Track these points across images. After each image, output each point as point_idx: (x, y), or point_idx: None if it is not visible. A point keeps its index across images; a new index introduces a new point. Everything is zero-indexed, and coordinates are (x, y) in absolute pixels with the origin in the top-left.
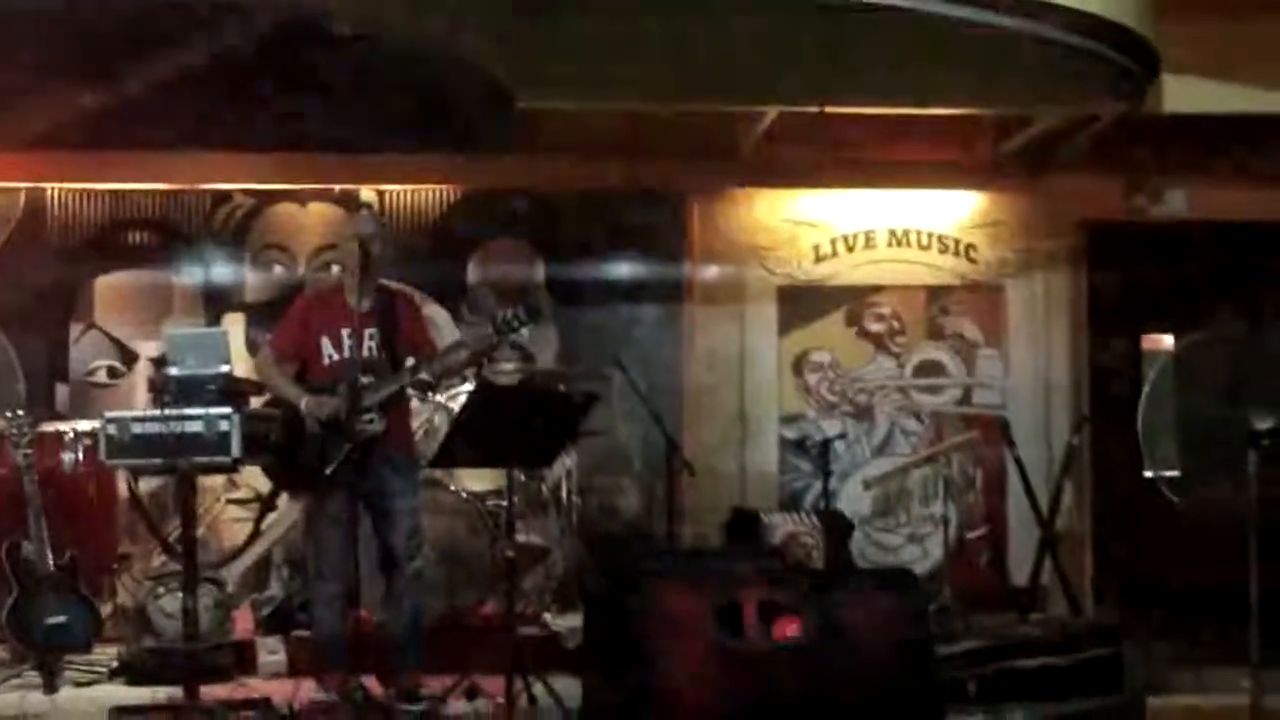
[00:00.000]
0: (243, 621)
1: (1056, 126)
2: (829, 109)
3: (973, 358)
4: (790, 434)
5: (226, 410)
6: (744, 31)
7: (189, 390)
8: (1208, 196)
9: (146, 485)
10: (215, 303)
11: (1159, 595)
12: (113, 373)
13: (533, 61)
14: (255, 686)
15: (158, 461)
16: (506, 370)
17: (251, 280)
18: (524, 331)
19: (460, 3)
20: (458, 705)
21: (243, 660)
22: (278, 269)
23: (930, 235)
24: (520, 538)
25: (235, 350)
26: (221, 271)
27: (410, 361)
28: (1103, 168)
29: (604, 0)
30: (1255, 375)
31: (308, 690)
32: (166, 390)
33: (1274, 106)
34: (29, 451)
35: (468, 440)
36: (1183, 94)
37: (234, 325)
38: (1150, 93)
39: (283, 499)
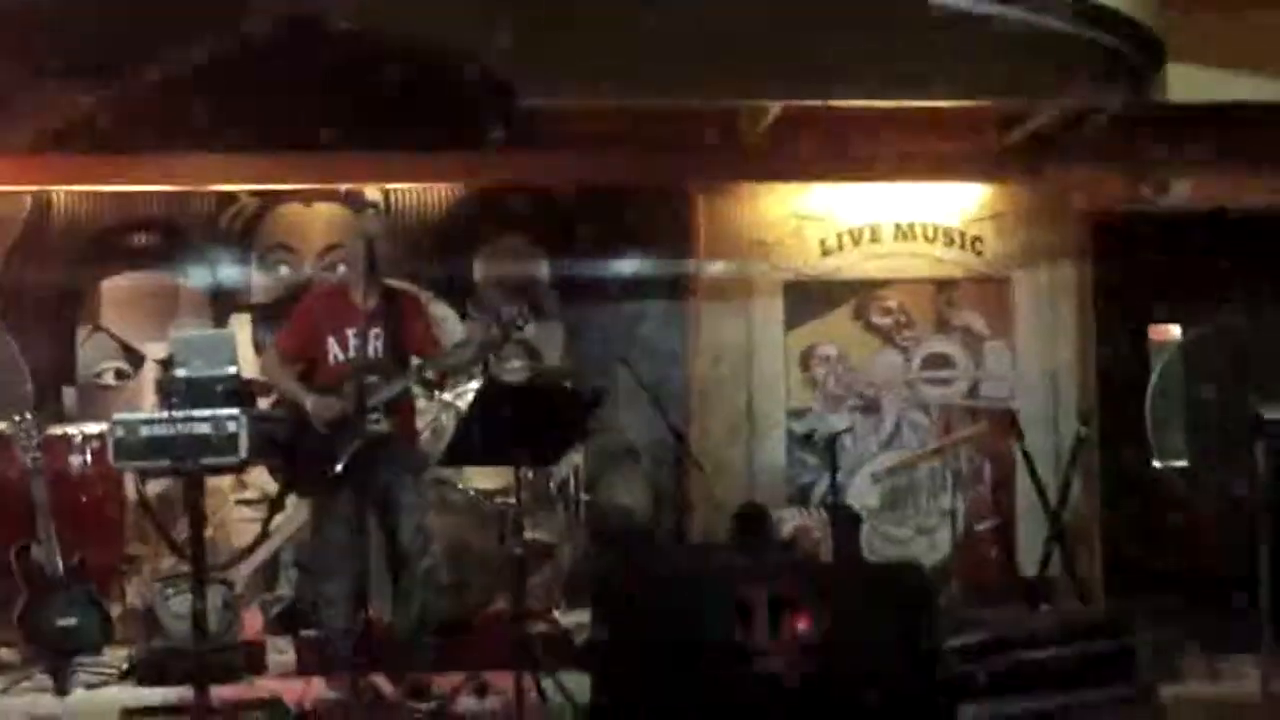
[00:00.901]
0: (252, 622)
1: (1061, 118)
2: (833, 103)
3: (980, 350)
4: (798, 428)
5: (234, 411)
6: (744, 27)
7: (196, 392)
8: (1213, 187)
9: (155, 487)
10: (222, 304)
11: (1169, 585)
12: (120, 374)
13: (535, 58)
14: (265, 686)
15: (166, 463)
16: (513, 368)
17: (258, 281)
18: (530, 329)
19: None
20: (467, 702)
21: (252, 661)
22: (284, 269)
23: (936, 228)
24: (528, 535)
25: (242, 351)
26: (228, 272)
27: (416, 361)
28: (1108, 159)
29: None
30: (1262, 365)
31: (318, 690)
32: (174, 392)
33: (1278, 95)
34: (37, 454)
35: (475, 438)
36: (1187, 83)
37: (241, 326)
38: (1155, 83)
39: (291, 499)
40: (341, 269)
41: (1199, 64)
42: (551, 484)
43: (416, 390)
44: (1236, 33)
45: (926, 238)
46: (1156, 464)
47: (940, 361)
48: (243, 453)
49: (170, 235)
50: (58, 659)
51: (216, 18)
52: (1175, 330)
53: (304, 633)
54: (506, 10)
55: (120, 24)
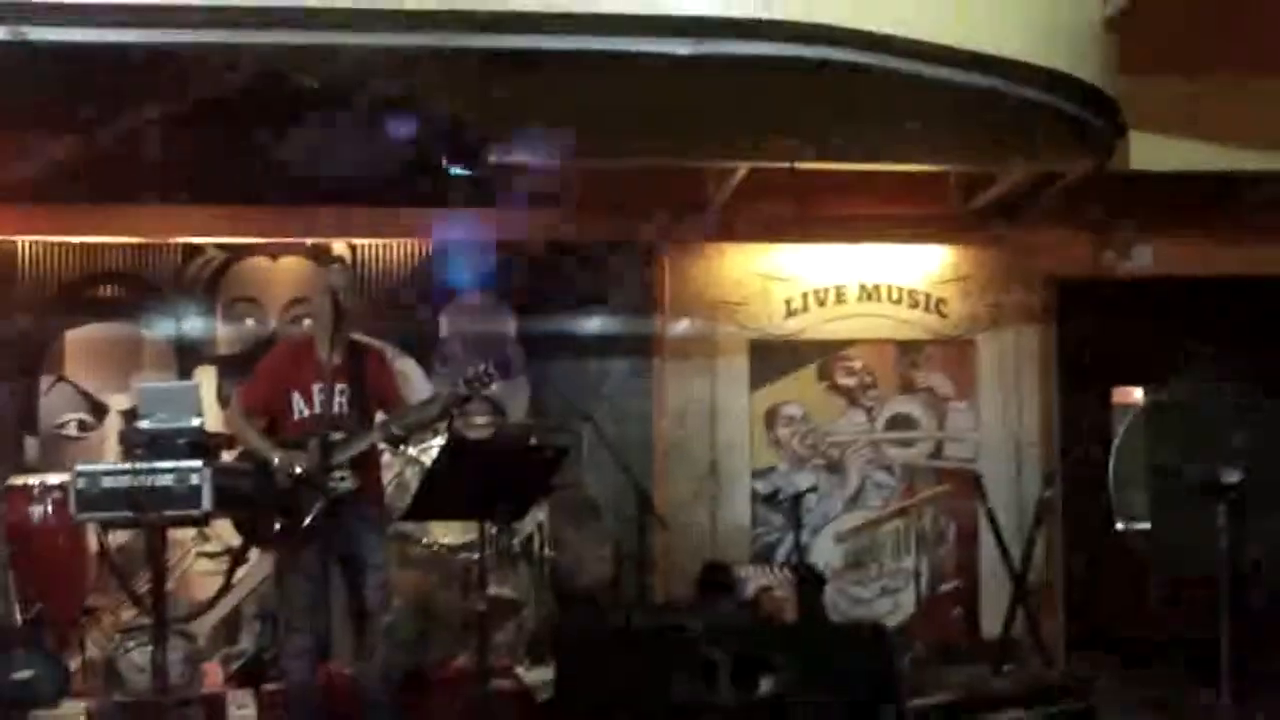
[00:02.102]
0: (213, 675)
1: (1025, 182)
2: (799, 165)
3: (944, 411)
4: (762, 487)
5: (197, 464)
6: (713, 91)
7: (160, 443)
8: (1175, 252)
9: (116, 538)
10: (186, 356)
11: (1131, 646)
12: (83, 425)
13: (504, 117)
14: None
15: (128, 515)
16: (478, 424)
17: (223, 333)
18: (495, 385)
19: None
20: None
21: (213, 714)
22: (249, 322)
23: (901, 290)
24: (492, 591)
25: (206, 404)
26: (193, 325)
27: (381, 418)
28: (1071, 223)
29: (572, 60)
30: (1223, 428)
31: None
32: (137, 443)
33: (1239, 164)
34: None
35: (440, 494)
36: (1149, 151)
37: (205, 378)
38: (1117, 149)
39: (253, 552)
40: (307, 323)
41: (1161, 132)
42: (515, 540)
43: (381, 445)
44: (1198, 101)
45: (891, 299)
46: (1119, 526)
47: (904, 422)
48: (206, 505)
49: (135, 287)
50: (15, 712)
51: (184, 73)
52: (1138, 393)
53: (266, 686)
54: (473, 69)
55: (87, 78)
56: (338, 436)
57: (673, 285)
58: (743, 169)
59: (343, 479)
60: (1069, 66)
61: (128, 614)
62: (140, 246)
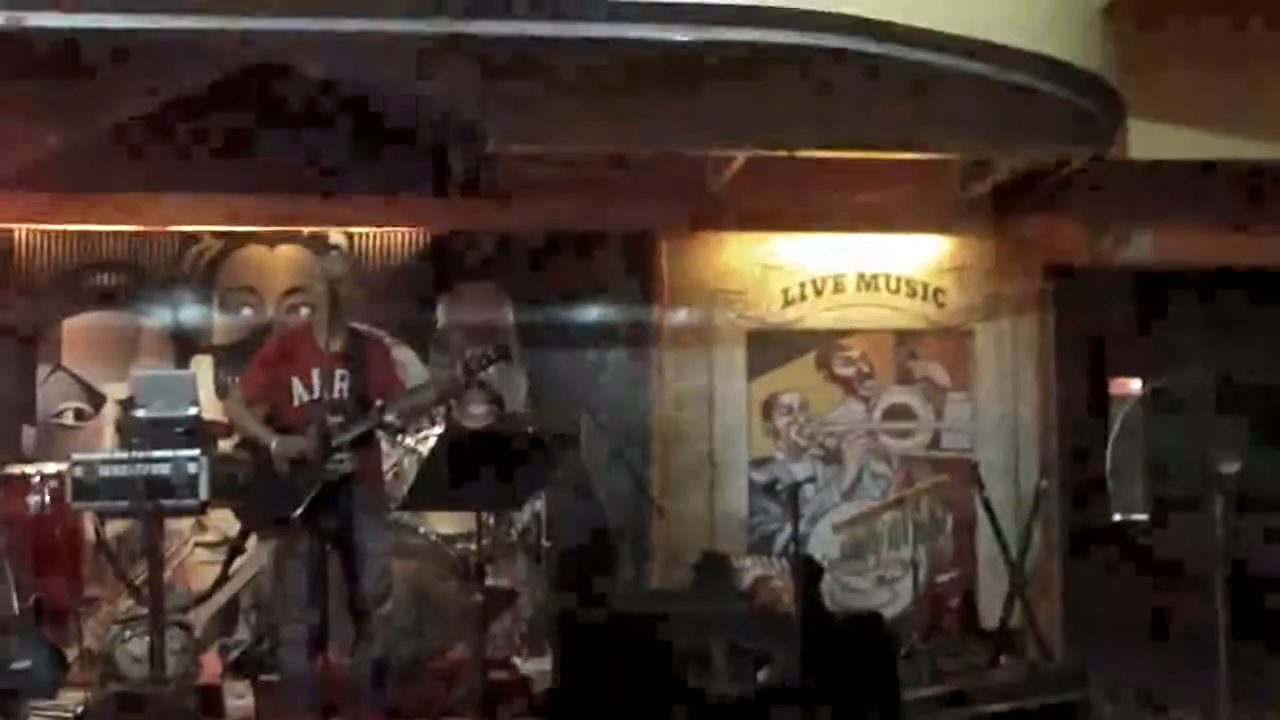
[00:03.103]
0: (210, 666)
1: (1024, 171)
2: (798, 153)
3: (942, 401)
4: (759, 477)
5: (195, 452)
6: (712, 78)
7: (157, 432)
8: (1174, 241)
9: (114, 527)
10: (184, 344)
11: (1128, 637)
12: (80, 414)
13: (504, 105)
14: None
15: (125, 504)
16: (476, 413)
17: (220, 322)
18: (492, 373)
19: (432, 49)
20: None
21: (210, 705)
22: (246, 311)
23: (899, 279)
24: (489, 581)
25: (204, 392)
26: (190, 313)
27: (379, 403)
28: (1070, 212)
29: (573, 48)
30: (1221, 418)
31: None
32: (134, 432)
33: (1239, 152)
34: None
35: (437, 483)
36: (1149, 140)
37: (202, 367)
38: (1117, 138)
39: (251, 542)
40: (305, 311)
41: (1160, 121)
42: (513, 530)
43: (380, 434)
44: (1198, 90)
45: (889, 289)
46: (1116, 516)
47: (902, 412)
48: (203, 494)
49: (133, 276)
50: (12, 702)
51: (184, 61)
52: (1135, 383)
53: (263, 677)
54: (474, 57)
55: (87, 65)
56: (336, 421)
57: (670, 274)
58: (741, 157)
59: (341, 462)
60: (1072, 55)
61: (125, 604)
62: (137, 235)
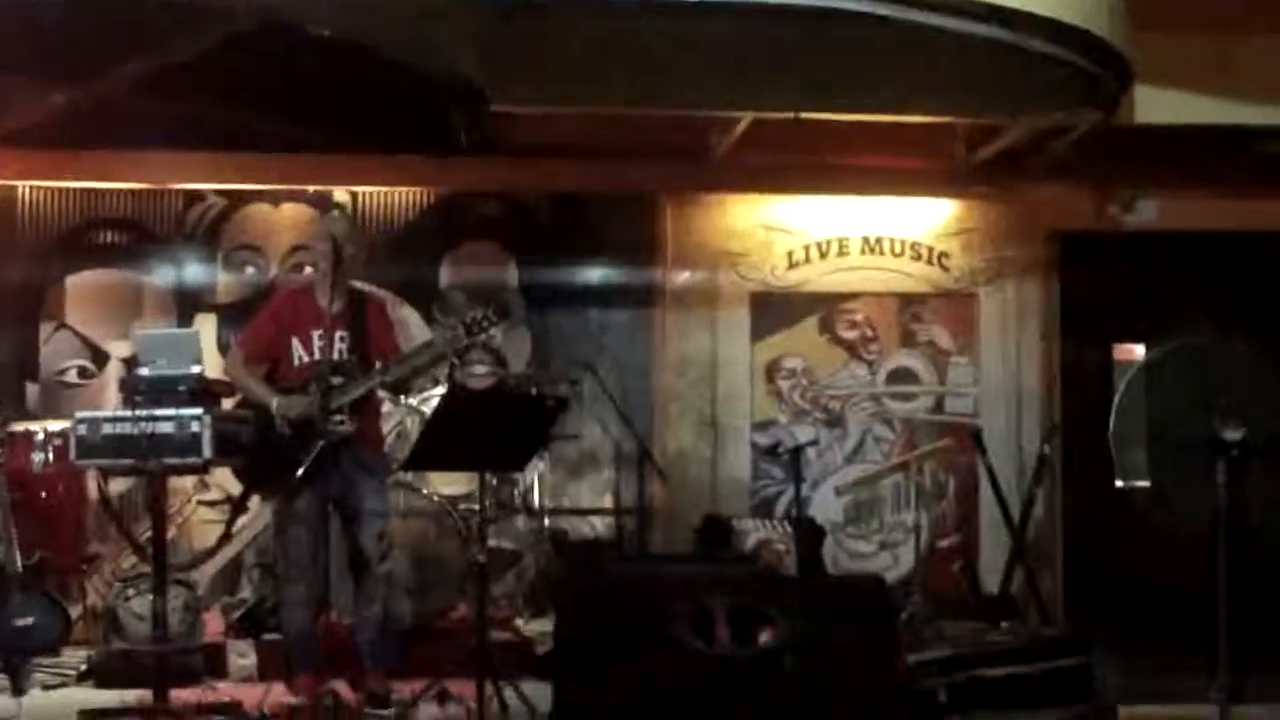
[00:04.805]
0: (213, 624)
1: (1029, 135)
2: (803, 115)
3: (945, 365)
4: (762, 440)
5: (198, 411)
6: (718, 38)
7: (160, 391)
8: (1179, 206)
9: (117, 486)
10: (187, 303)
11: (1129, 604)
12: (83, 372)
13: (507, 65)
14: (225, 690)
15: (128, 462)
16: (479, 374)
17: (223, 280)
18: (494, 333)
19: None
20: (428, 710)
21: (213, 663)
22: (249, 269)
23: (903, 243)
24: (492, 542)
25: (207, 351)
26: (193, 271)
27: (379, 364)
28: (1075, 177)
29: (576, 6)
30: (1225, 385)
31: (278, 695)
32: (137, 390)
33: (1245, 118)
34: None
35: (439, 444)
36: (1155, 105)
37: (205, 326)
38: (1123, 103)
39: (254, 501)
40: (307, 270)
41: (1167, 86)
42: (515, 491)
43: (381, 394)
44: (1204, 55)
45: (894, 252)
46: (1119, 482)
47: (905, 376)
48: (206, 453)
49: (136, 233)
50: (15, 659)
51: (189, 19)
52: (1139, 349)
53: (265, 636)
54: (478, 17)
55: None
56: (337, 381)
57: (674, 236)
58: (746, 119)
59: (341, 422)
60: (1078, 19)
61: (128, 562)
62: (141, 192)
